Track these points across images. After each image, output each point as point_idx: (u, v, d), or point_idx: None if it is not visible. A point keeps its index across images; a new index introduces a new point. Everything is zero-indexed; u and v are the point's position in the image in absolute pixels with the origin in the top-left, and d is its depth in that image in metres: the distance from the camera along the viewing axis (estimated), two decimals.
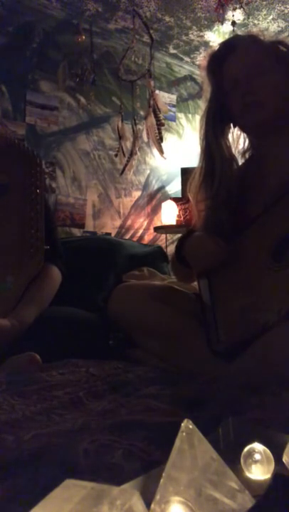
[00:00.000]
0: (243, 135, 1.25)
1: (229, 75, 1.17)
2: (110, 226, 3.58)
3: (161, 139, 3.09)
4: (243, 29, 3.43)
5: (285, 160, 1.15)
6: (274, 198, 1.09)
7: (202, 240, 1.13)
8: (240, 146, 1.27)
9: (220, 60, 1.19)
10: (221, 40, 3.59)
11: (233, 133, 1.25)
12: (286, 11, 3.39)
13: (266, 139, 1.18)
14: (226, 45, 1.21)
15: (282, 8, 3.34)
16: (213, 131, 1.20)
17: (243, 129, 1.23)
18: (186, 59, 4.00)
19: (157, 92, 3.32)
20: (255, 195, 1.16)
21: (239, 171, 1.23)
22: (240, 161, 1.27)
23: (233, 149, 1.24)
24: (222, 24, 3.30)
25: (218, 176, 1.16)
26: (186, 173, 3.60)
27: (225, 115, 1.21)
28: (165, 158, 3.26)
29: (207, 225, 1.15)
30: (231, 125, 1.24)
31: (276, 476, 0.41)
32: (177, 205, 3.54)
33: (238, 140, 1.26)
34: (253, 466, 0.48)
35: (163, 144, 3.15)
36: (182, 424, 0.41)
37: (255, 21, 3.49)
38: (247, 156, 1.27)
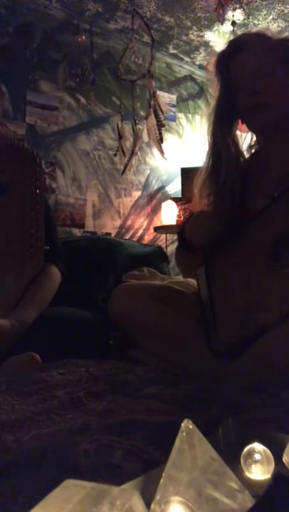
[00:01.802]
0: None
1: (237, 74, 1.17)
2: (110, 226, 3.58)
3: (161, 140, 3.09)
4: (243, 29, 3.43)
5: (287, 158, 1.15)
6: (275, 196, 1.09)
7: (200, 217, 1.17)
8: (247, 141, 1.27)
9: (228, 58, 1.20)
10: (221, 40, 3.59)
11: (240, 129, 1.25)
12: (286, 11, 3.39)
13: (272, 137, 1.19)
14: (233, 44, 1.21)
15: (282, 8, 3.34)
16: (221, 129, 1.20)
17: (249, 127, 1.23)
18: (186, 59, 4.00)
19: (159, 92, 3.32)
20: (257, 192, 1.16)
21: (244, 166, 1.23)
22: (247, 155, 1.28)
23: (240, 144, 1.25)
24: (222, 24, 3.30)
25: (223, 174, 1.17)
26: (186, 173, 3.60)
27: (233, 112, 1.21)
28: (166, 159, 3.26)
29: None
30: (239, 121, 1.24)
31: (276, 476, 0.41)
32: (177, 205, 3.54)
33: (245, 139, 1.26)
34: (253, 466, 0.48)
35: (163, 144, 3.15)
36: (182, 424, 0.41)
37: (255, 21, 3.48)
38: (253, 150, 1.28)
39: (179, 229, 1.23)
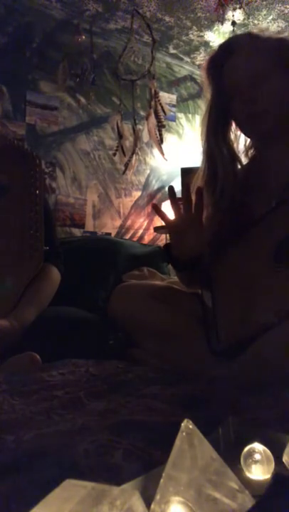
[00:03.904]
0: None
1: (230, 80, 1.14)
2: (110, 226, 3.58)
3: (161, 141, 3.09)
4: (243, 29, 3.43)
5: (288, 162, 1.14)
6: (278, 200, 1.09)
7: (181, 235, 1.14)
8: (242, 144, 1.25)
9: (220, 62, 1.16)
10: (221, 40, 3.59)
11: (234, 131, 1.23)
12: (286, 11, 3.38)
13: (270, 143, 1.17)
14: (224, 48, 1.17)
15: (282, 8, 3.34)
16: (214, 135, 1.18)
17: (245, 134, 1.21)
18: (186, 59, 3.99)
19: (160, 93, 3.32)
20: (259, 197, 1.15)
21: (242, 172, 1.22)
22: (242, 158, 1.26)
23: (236, 146, 1.23)
24: (222, 24, 3.30)
25: (220, 183, 1.15)
26: (186, 173, 3.60)
27: (226, 117, 1.19)
28: (166, 160, 3.26)
29: (209, 234, 1.14)
30: (234, 123, 1.22)
31: (276, 476, 0.41)
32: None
33: (239, 138, 1.24)
34: (253, 466, 0.48)
35: (163, 144, 3.14)
36: (182, 424, 0.41)
37: (255, 21, 3.48)
38: (250, 154, 1.26)
39: (164, 246, 1.20)
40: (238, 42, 1.17)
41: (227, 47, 1.17)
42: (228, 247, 1.12)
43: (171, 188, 1.13)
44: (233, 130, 1.22)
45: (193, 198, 1.12)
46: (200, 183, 1.18)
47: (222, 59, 1.16)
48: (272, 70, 1.11)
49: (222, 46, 1.19)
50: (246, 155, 1.26)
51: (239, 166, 1.23)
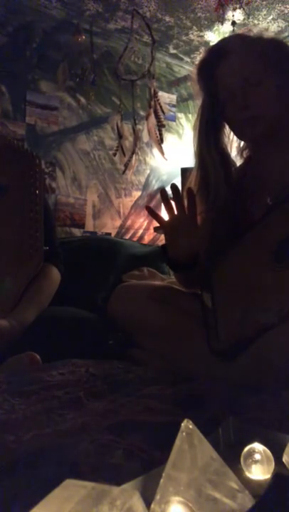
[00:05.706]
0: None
1: (223, 84, 1.12)
2: (110, 226, 3.58)
3: (161, 140, 3.09)
4: (243, 29, 3.42)
5: (285, 162, 1.14)
6: (276, 200, 1.09)
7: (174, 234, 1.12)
8: (236, 144, 1.25)
9: (211, 65, 1.14)
10: None
11: (228, 134, 1.22)
12: (286, 11, 3.38)
13: (265, 146, 1.16)
14: (215, 50, 1.15)
15: (282, 8, 3.34)
16: (206, 140, 1.17)
17: (239, 137, 1.20)
18: (186, 59, 3.99)
19: (160, 93, 3.32)
20: (257, 198, 1.15)
21: (237, 173, 1.22)
22: (237, 159, 1.25)
23: (229, 148, 1.22)
24: (222, 24, 3.30)
25: (213, 187, 1.15)
26: (186, 173, 3.59)
27: (219, 121, 1.18)
28: (166, 159, 3.26)
29: (205, 240, 1.14)
30: (227, 126, 1.21)
31: (276, 476, 0.41)
32: None
33: (233, 140, 1.24)
34: (253, 466, 0.48)
35: (163, 144, 3.15)
36: (182, 424, 0.41)
37: (255, 21, 3.48)
38: (244, 155, 1.26)
39: (161, 247, 1.20)
40: (229, 44, 1.15)
41: (218, 50, 1.15)
42: (228, 248, 1.12)
43: (162, 191, 1.16)
44: (226, 133, 1.21)
45: (186, 199, 1.11)
46: (193, 187, 1.17)
47: (213, 62, 1.14)
48: (264, 72, 1.09)
49: (213, 49, 1.17)
50: (241, 156, 1.26)
51: (233, 168, 1.22)
